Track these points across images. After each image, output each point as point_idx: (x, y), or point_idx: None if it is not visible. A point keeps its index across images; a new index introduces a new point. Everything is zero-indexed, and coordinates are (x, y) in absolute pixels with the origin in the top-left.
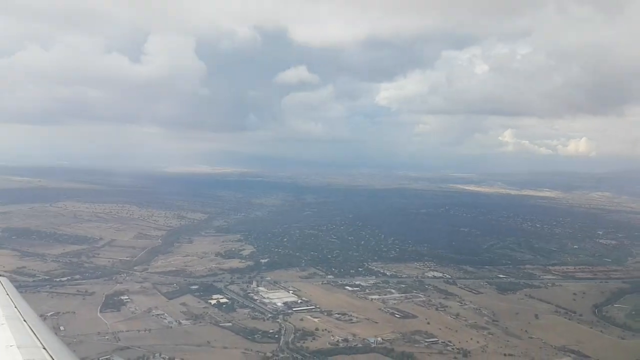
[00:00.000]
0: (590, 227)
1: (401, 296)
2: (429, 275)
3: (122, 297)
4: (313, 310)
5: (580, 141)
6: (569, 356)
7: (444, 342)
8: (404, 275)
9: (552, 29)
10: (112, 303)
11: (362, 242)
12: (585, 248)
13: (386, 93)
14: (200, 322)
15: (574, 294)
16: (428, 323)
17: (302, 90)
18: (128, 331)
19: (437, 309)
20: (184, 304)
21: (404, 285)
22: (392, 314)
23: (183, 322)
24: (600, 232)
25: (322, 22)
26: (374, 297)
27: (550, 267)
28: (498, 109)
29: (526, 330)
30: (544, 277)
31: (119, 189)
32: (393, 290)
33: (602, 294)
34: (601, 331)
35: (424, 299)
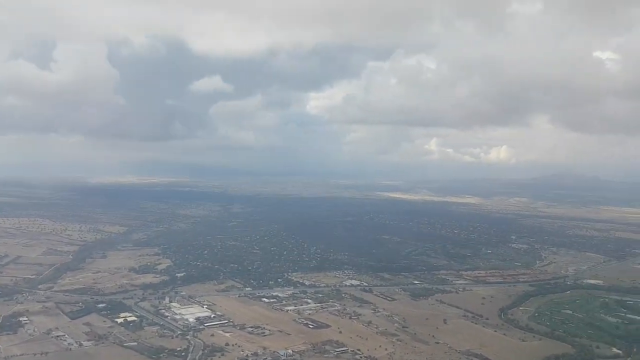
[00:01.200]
0: (504, 232)
1: (317, 306)
2: (347, 284)
3: (20, 319)
4: (226, 324)
5: (501, 149)
6: None
7: (353, 351)
8: (322, 285)
9: (450, 43)
10: (9, 325)
11: (285, 253)
12: (498, 253)
13: (316, 102)
14: (103, 343)
15: (483, 298)
16: (340, 332)
17: (223, 99)
18: (22, 355)
19: (350, 318)
20: (88, 324)
21: (321, 295)
22: (306, 324)
23: (84, 343)
24: (514, 237)
25: (219, 33)
26: (289, 308)
27: (463, 272)
28: (418, 120)
29: (434, 336)
30: (457, 282)
31: (35, 201)
32: (309, 301)
33: (510, 297)
34: (504, 334)
35: (339, 307)
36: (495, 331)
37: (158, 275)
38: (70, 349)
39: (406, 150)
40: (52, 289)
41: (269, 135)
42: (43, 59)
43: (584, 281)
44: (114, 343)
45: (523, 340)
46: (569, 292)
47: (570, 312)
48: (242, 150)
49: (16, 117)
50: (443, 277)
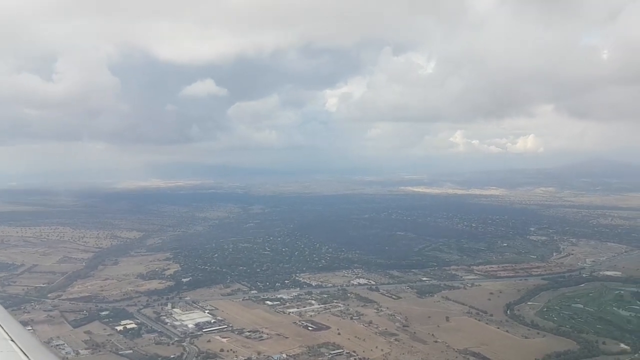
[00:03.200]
0: (524, 223)
1: (320, 307)
2: (354, 283)
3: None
4: (224, 329)
5: (528, 138)
6: (469, 359)
7: (349, 353)
8: (329, 285)
9: (437, 39)
10: None
11: (296, 253)
12: (514, 245)
13: (333, 100)
14: (100, 351)
15: (491, 293)
16: (339, 334)
17: (220, 102)
18: None
19: (352, 318)
20: (88, 332)
21: (326, 296)
22: (306, 327)
23: (82, 352)
24: (533, 229)
25: (186, 41)
26: (292, 310)
27: (474, 267)
28: (414, 116)
29: (433, 334)
30: (466, 277)
31: (58, 209)
32: (313, 302)
33: (519, 292)
34: (507, 331)
35: (342, 308)
36: (498, 328)
37: (164, 281)
38: (67, 358)
39: (431, 143)
40: (61, 297)
41: (290, 134)
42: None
43: (601, 273)
44: (110, 351)
45: (526, 338)
46: (583, 285)
47: (581, 306)
48: (266, 150)
49: (35, 126)
50: (453, 272)
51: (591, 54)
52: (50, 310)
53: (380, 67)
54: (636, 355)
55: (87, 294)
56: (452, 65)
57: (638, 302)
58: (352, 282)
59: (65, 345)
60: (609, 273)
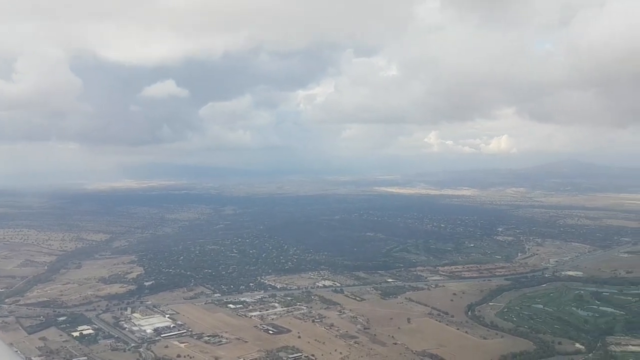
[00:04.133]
0: (492, 224)
1: (283, 310)
2: (320, 285)
3: None
4: (183, 334)
5: (501, 139)
6: None
7: (307, 357)
8: (294, 287)
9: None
10: None
11: (264, 255)
12: (481, 246)
13: (303, 100)
14: (53, 358)
15: (454, 294)
16: (299, 337)
17: (179, 103)
18: None
19: (313, 321)
20: (43, 339)
21: (290, 298)
22: (267, 330)
23: (34, 359)
24: (501, 229)
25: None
26: (254, 313)
27: (440, 268)
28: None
29: (393, 336)
30: (431, 278)
31: (24, 211)
32: (277, 305)
33: (481, 292)
34: (466, 332)
35: (305, 311)
36: (458, 329)
37: (126, 285)
38: None
39: (405, 143)
40: (18, 303)
41: (265, 134)
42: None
43: (563, 273)
44: (63, 358)
45: (484, 338)
46: (544, 285)
47: (541, 306)
48: (241, 151)
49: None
50: (419, 273)
51: (546, 58)
52: (6, 316)
53: (345, 70)
54: (590, 355)
55: (46, 299)
56: (412, 69)
57: (597, 302)
58: (317, 284)
59: (18, 352)
60: (570, 273)
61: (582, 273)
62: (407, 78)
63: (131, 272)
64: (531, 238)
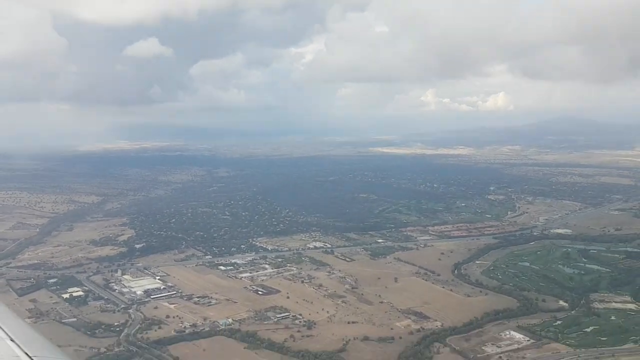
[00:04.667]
0: (485, 183)
1: (273, 271)
2: (311, 247)
3: None
4: (173, 296)
5: (498, 96)
6: (410, 318)
7: (294, 316)
8: (285, 249)
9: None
10: None
11: (256, 217)
12: (472, 205)
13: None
14: (43, 320)
15: (442, 253)
16: (288, 297)
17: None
18: None
19: (302, 282)
20: (34, 301)
21: (280, 260)
22: (256, 291)
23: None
24: (493, 188)
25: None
26: (244, 275)
27: (430, 228)
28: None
29: (380, 295)
30: (421, 238)
31: (17, 173)
32: (267, 266)
33: (469, 251)
34: (451, 290)
35: (295, 272)
36: (444, 287)
37: (116, 247)
38: None
39: (403, 102)
40: (9, 265)
41: (260, 94)
42: None
43: (552, 231)
44: (53, 320)
45: (468, 296)
46: (532, 243)
47: (528, 264)
48: (236, 112)
49: None
50: (409, 234)
51: (535, 14)
52: None
53: (335, 27)
54: (573, 312)
55: (37, 262)
56: (402, 26)
57: (584, 259)
58: (308, 245)
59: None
60: (559, 231)
61: (570, 231)
62: (396, 35)
63: (122, 234)
64: (522, 196)
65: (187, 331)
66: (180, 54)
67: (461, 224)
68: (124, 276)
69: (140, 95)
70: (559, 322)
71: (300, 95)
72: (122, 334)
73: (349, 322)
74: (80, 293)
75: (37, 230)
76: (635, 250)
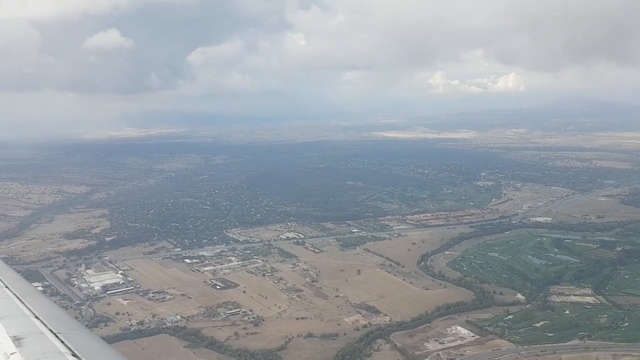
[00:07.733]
0: (478, 168)
1: (238, 264)
2: (283, 237)
3: None
4: (130, 291)
5: (509, 77)
6: (360, 313)
7: (244, 312)
8: (257, 240)
9: None
10: None
11: (236, 207)
12: (458, 192)
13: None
14: None
15: (413, 243)
16: (244, 292)
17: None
18: None
19: (264, 275)
20: None
21: (249, 252)
22: (214, 285)
23: None
24: (484, 174)
25: None
26: (207, 268)
27: (408, 216)
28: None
29: (337, 289)
30: (397, 227)
31: (14, 163)
32: (233, 259)
33: (441, 241)
34: (411, 283)
35: (260, 264)
36: (404, 280)
37: (86, 241)
38: None
39: (409, 85)
40: None
41: (266, 79)
42: None
43: (532, 219)
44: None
45: (426, 289)
46: (508, 232)
47: (497, 254)
48: (243, 96)
49: None
50: (387, 223)
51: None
52: None
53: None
54: (528, 305)
55: (5, 256)
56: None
57: (555, 249)
58: (281, 236)
59: None
60: (539, 219)
61: (551, 219)
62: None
63: (97, 226)
64: (512, 182)
65: (132, 329)
66: (179, 41)
67: (441, 212)
68: (87, 271)
69: (138, 83)
70: (510, 316)
71: (306, 79)
72: None
73: (297, 318)
74: (40, 289)
75: (17, 222)
76: (612, 239)
